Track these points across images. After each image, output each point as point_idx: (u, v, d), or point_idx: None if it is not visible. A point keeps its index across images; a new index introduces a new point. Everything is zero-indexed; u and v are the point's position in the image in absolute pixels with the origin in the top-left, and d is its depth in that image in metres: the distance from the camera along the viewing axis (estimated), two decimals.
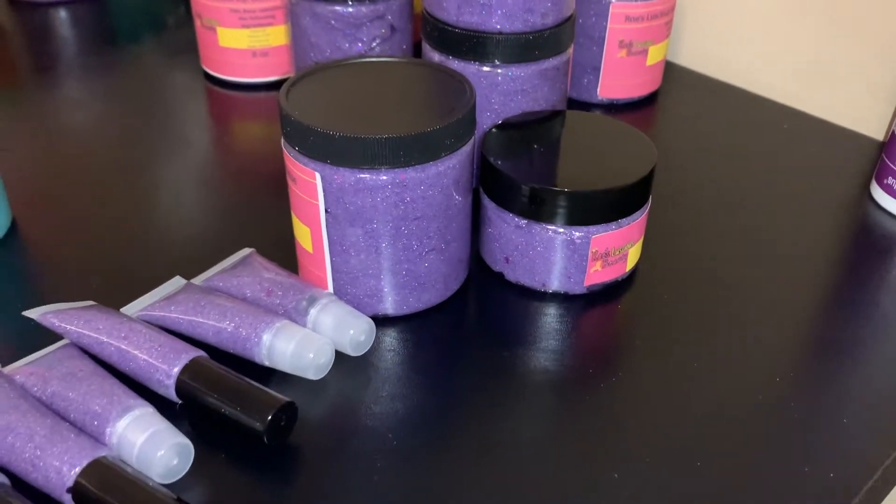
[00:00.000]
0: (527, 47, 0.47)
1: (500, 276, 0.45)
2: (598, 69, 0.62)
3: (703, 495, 0.34)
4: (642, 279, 0.46)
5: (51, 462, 0.31)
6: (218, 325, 0.38)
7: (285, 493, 0.33)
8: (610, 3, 0.59)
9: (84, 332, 0.38)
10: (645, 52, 0.62)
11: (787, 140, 0.60)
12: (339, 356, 0.39)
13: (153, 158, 0.57)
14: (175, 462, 0.33)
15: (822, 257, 0.48)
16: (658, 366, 0.40)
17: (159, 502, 0.30)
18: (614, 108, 0.64)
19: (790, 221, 0.51)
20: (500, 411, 0.37)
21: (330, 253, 0.40)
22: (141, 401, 0.34)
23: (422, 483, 0.34)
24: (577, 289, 0.44)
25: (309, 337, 0.38)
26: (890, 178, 0.51)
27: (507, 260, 0.44)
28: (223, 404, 0.34)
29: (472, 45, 0.47)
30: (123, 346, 0.37)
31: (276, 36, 0.63)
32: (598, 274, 0.43)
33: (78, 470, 0.31)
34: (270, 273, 0.42)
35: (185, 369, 0.36)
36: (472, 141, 0.40)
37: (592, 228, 0.41)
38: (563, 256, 0.42)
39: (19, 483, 0.32)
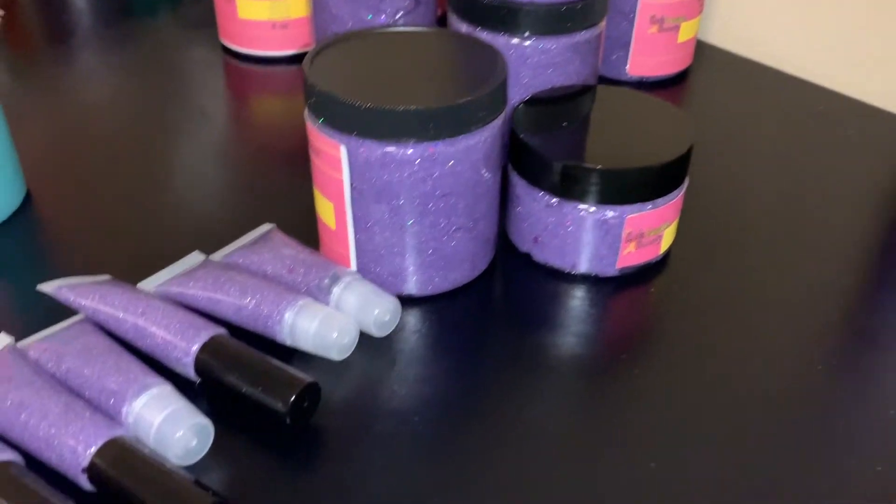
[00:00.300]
0: (559, 19, 0.45)
1: (528, 256, 0.43)
2: (628, 45, 0.60)
3: (742, 487, 0.32)
4: (675, 262, 0.44)
5: (65, 441, 0.30)
6: (238, 302, 0.37)
7: (306, 476, 0.32)
8: None
9: (100, 307, 0.37)
10: (676, 29, 0.60)
11: (822, 122, 0.58)
12: (362, 336, 0.38)
13: (171, 133, 0.56)
14: (194, 443, 0.31)
15: (860, 241, 0.46)
16: (691, 352, 0.39)
17: (178, 484, 0.29)
18: (643, 85, 0.62)
19: (826, 205, 0.49)
20: (526, 396, 0.36)
21: (354, 230, 0.39)
22: (159, 378, 0.33)
23: (444, 468, 0.33)
24: (609, 271, 0.42)
25: (333, 316, 0.36)
26: None
27: (535, 240, 0.42)
28: (244, 384, 0.33)
29: (503, 15, 0.45)
30: (140, 323, 0.36)
31: (297, 7, 0.62)
32: (631, 256, 0.42)
33: (93, 450, 0.30)
34: (292, 249, 0.41)
35: (205, 347, 0.34)
36: (503, 114, 0.38)
37: (627, 208, 0.40)
38: (595, 237, 0.41)
39: (32, 461, 0.31)
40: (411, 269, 0.39)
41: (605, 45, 0.61)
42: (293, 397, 0.32)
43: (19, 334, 0.36)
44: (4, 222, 0.45)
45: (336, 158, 0.37)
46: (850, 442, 0.34)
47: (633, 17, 0.58)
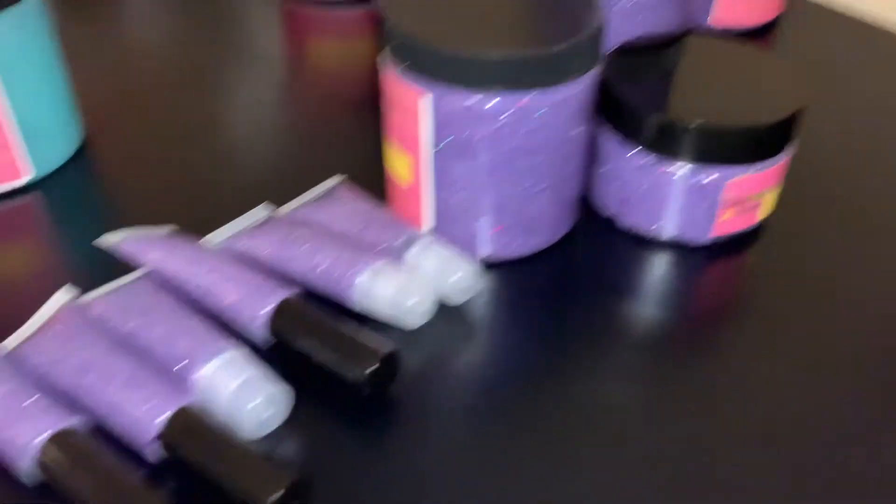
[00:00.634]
0: None
1: (611, 221, 0.40)
2: None
3: (842, 481, 0.30)
4: (772, 231, 0.41)
5: (132, 408, 0.28)
6: (309, 262, 0.35)
7: (379, 447, 0.30)
8: None
9: (165, 263, 0.35)
10: None
11: None
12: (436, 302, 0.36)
13: (230, 78, 0.53)
14: (270, 413, 0.29)
15: None
16: (784, 330, 0.36)
17: (253, 462, 0.27)
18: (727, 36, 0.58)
19: None
20: (608, 368, 0.33)
21: (432, 187, 0.36)
22: (231, 341, 0.31)
23: (521, 441, 0.30)
24: (701, 238, 0.39)
25: (411, 281, 0.34)
26: None
27: (622, 203, 0.39)
28: (320, 350, 0.31)
29: None
30: (208, 281, 0.34)
31: None
32: (727, 223, 0.38)
33: (162, 420, 0.28)
34: (363, 206, 0.38)
35: (278, 309, 0.32)
36: (600, 65, 0.35)
37: (728, 170, 0.37)
38: (690, 201, 0.38)
39: (96, 427, 0.29)
40: (491, 231, 0.37)
41: None
42: (373, 367, 0.30)
43: (78, 288, 0.35)
44: (60, 168, 0.43)
45: (417, 109, 0.34)
46: None
47: None
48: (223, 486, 0.27)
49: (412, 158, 0.36)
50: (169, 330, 0.31)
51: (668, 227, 0.39)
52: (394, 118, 0.36)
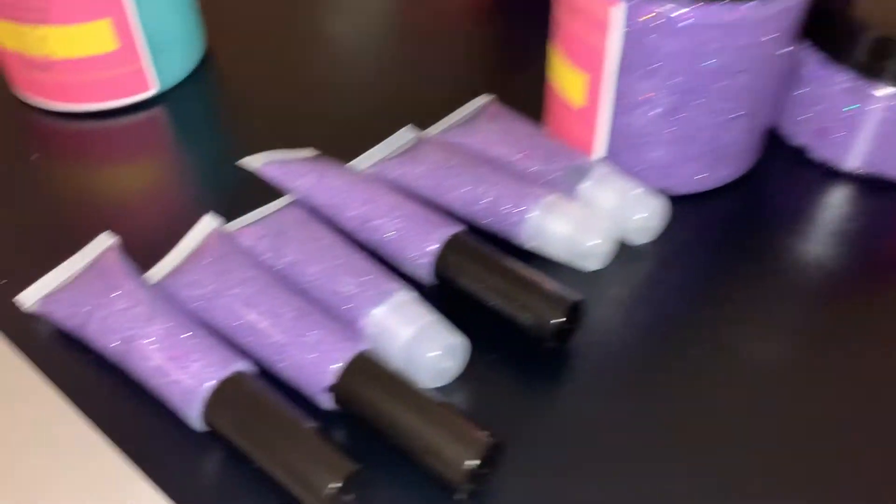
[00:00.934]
0: None
1: (801, 151, 0.36)
2: None
3: None
4: None
5: (302, 353, 0.25)
6: (471, 193, 0.31)
7: (553, 401, 0.27)
8: None
9: (314, 191, 0.31)
10: None
11: None
12: None
13: None
14: (447, 365, 0.27)
15: None
16: None
17: (446, 418, 0.24)
18: None
19: None
20: (792, 322, 0.30)
21: (613, 110, 0.32)
22: (399, 282, 0.28)
23: (701, 396, 0.27)
24: None
25: (589, 218, 0.30)
26: None
27: (817, 131, 0.35)
28: (495, 296, 0.28)
29: None
30: (364, 212, 0.30)
31: None
32: None
33: (338, 367, 0.25)
34: (520, 129, 0.34)
35: (447, 246, 0.29)
36: None
37: None
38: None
39: (264, 372, 0.27)
40: (676, 161, 0.32)
41: None
42: (560, 319, 0.27)
43: (219, 216, 0.32)
44: (183, 82, 0.40)
45: (604, 20, 0.29)
46: None
47: None
48: (411, 444, 0.24)
49: (589, 76, 0.32)
50: (330, 267, 0.28)
51: (868, 161, 0.34)
52: (572, 30, 0.32)
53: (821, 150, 0.35)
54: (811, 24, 0.33)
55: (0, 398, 0.27)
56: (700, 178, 0.33)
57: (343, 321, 0.27)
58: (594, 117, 0.32)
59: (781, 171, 0.36)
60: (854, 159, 0.34)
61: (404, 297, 0.27)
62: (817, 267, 0.32)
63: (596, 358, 0.28)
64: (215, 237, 0.30)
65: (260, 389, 0.25)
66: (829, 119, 0.34)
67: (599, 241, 0.30)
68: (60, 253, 0.30)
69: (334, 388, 0.25)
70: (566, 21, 0.32)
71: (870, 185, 0.35)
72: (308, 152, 0.35)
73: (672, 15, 0.28)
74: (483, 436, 0.23)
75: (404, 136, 0.35)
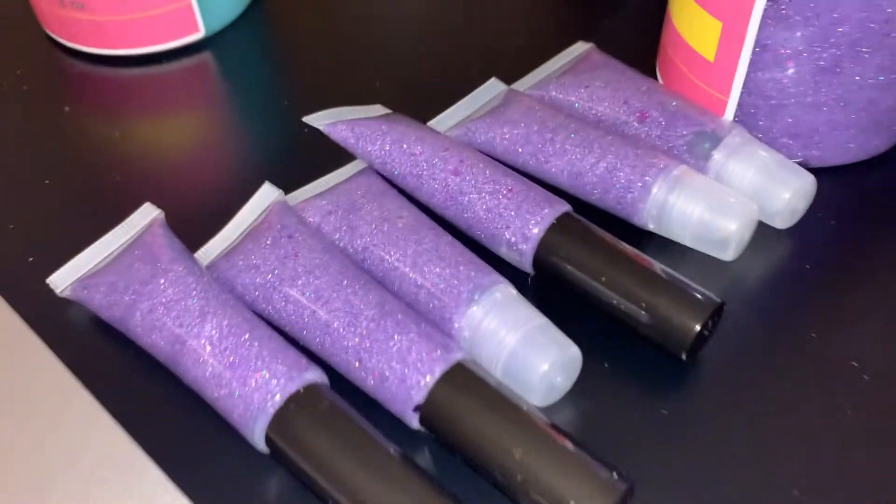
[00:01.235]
0: None
1: None
2: None
3: None
4: None
5: (385, 363, 0.21)
6: (578, 162, 0.26)
7: (683, 424, 0.22)
8: None
9: (392, 157, 0.27)
10: None
11: None
12: None
13: None
14: (558, 380, 0.22)
15: None
16: None
17: (551, 445, 0.19)
18: None
19: None
20: None
21: (752, 66, 0.26)
22: (496, 275, 0.23)
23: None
24: None
25: (729, 196, 0.25)
26: None
27: None
28: (612, 294, 0.23)
29: None
30: (454, 183, 0.26)
31: None
32: None
33: (430, 380, 0.21)
34: (637, 85, 0.29)
35: (553, 229, 0.24)
36: None
37: None
38: None
39: (339, 381, 0.22)
40: (825, 128, 0.27)
41: None
42: (697, 326, 0.22)
43: (272, 180, 0.27)
44: (233, 24, 0.35)
45: None
46: None
47: None
48: (520, 484, 0.19)
49: (726, 25, 0.26)
50: (412, 253, 0.23)
51: None
52: None
53: None
54: None
55: (30, 403, 0.23)
56: (848, 148, 0.28)
57: (431, 322, 0.22)
58: (730, 74, 0.27)
59: None
60: None
61: (506, 294, 0.22)
62: None
63: (731, 370, 0.23)
64: (276, 211, 0.25)
65: (334, 406, 0.20)
66: None
67: (737, 226, 0.24)
68: (97, 225, 0.26)
69: (423, 407, 0.21)
70: None
71: None
72: (378, 109, 0.30)
73: None
74: (613, 480, 0.19)
75: (491, 90, 0.30)
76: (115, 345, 0.24)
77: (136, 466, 0.21)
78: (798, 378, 0.23)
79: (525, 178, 0.26)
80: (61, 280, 0.25)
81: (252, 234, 0.25)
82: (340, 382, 0.22)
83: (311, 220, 0.25)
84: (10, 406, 0.23)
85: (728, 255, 0.25)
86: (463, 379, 0.21)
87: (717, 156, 0.26)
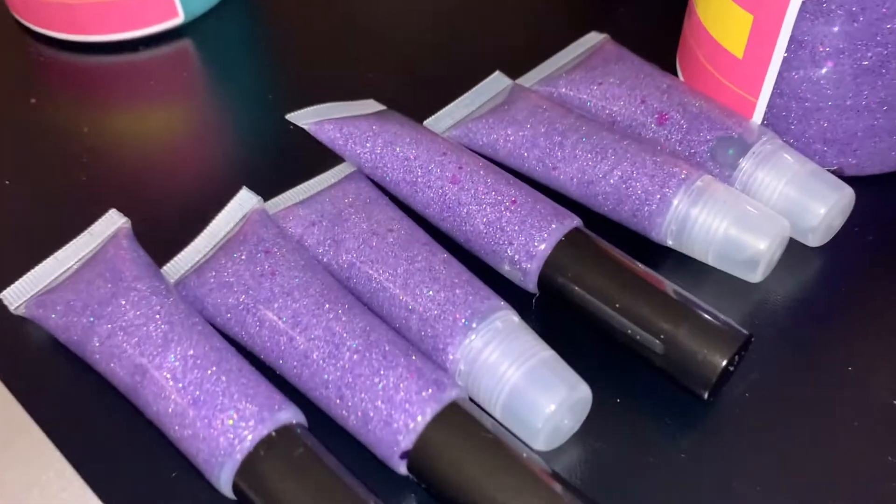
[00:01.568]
0: None
1: None
2: None
3: None
4: None
5: (370, 402, 0.18)
6: (590, 169, 0.24)
7: (705, 456, 0.20)
8: None
9: (384, 160, 0.24)
10: None
11: None
12: None
13: None
14: (565, 422, 0.19)
15: None
16: None
17: (542, 491, 0.17)
18: None
19: None
20: None
21: (785, 64, 0.24)
22: (497, 299, 0.21)
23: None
24: None
25: (757, 212, 0.22)
26: None
27: None
28: (625, 321, 0.20)
29: None
30: (452, 192, 0.23)
31: None
32: None
33: (420, 424, 0.18)
34: (656, 82, 0.26)
35: (561, 247, 0.22)
36: None
37: None
38: None
39: (321, 415, 0.20)
40: (865, 133, 0.24)
41: None
42: (723, 363, 0.19)
43: (252, 184, 0.24)
44: (214, 9, 0.32)
45: None
46: None
47: None
48: None
49: (756, 16, 0.23)
50: (403, 272, 0.21)
51: None
52: None
53: None
54: None
55: None
56: (889, 156, 0.25)
57: (423, 353, 0.20)
58: (758, 72, 0.24)
59: None
60: None
61: (508, 322, 0.20)
62: None
63: (757, 408, 0.21)
64: (254, 221, 0.23)
65: (310, 452, 0.18)
66: None
67: (766, 244, 0.22)
68: (59, 233, 0.23)
69: (411, 454, 0.18)
70: None
71: None
72: (371, 106, 0.27)
73: None
74: None
75: (495, 85, 0.28)
76: (73, 371, 0.21)
77: None
78: (833, 418, 0.21)
79: (530, 187, 0.23)
80: (16, 296, 0.22)
81: (226, 247, 0.22)
82: (323, 416, 0.20)
83: (292, 231, 0.23)
84: None
85: (756, 276, 0.22)
86: (457, 421, 0.18)
87: (745, 164, 0.23)
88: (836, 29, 0.22)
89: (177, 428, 0.19)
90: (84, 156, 0.28)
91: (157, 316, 0.20)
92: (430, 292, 0.20)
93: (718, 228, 0.22)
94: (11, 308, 0.22)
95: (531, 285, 0.22)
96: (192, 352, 0.19)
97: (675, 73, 0.28)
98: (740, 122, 0.24)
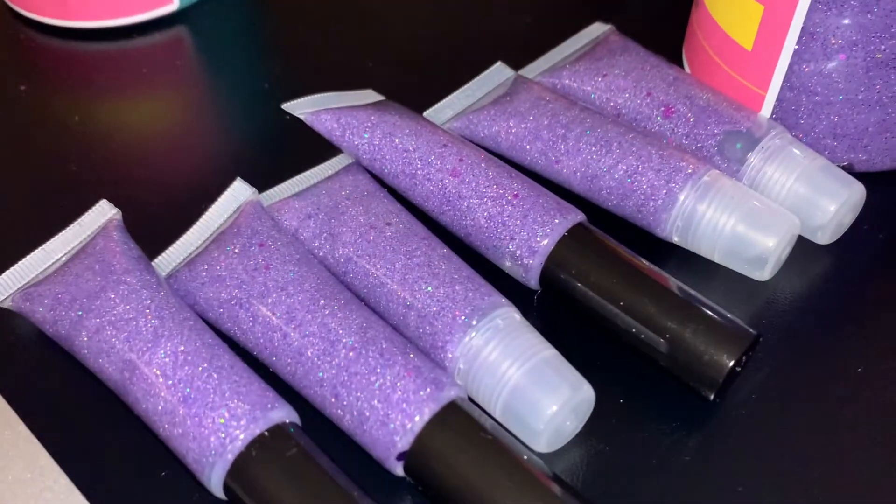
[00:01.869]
0: None
1: None
2: None
3: None
4: None
5: (365, 401, 0.18)
6: (594, 163, 0.23)
7: (711, 459, 0.19)
8: None
9: (382, 152, 0.23)
10: None
11: None
12: None
13: None
14: (567, 423, 0.19)
15: None
16: None
17: (542, 494, 0.17)
18: None
19: None
20: None
21: (796, 56, 0.23)
22: (498, 296, 0.20)
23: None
24: None
25: (766, 208, 0.22)
26: None
27: None
28: (630, 319, 0.20)
29: None
30: (452, 186, 0.22)
31: None
32: None
33: (418, 424, 0.18)
34: (662, 74, 0.25)
35: (563, 243, 0.21)
36: None
37: None
38: None
39: (315, 421, 0.19)
40: (874, 129, 0.24)
41: None
42: (730, 364, 0.19)
43: (246, 175, 0.24)
44: None
45: None
46: None
47: None
48: None
49: (766, 6, 0.23)
50: (401, 267, 0.20)
51: None
52: None
53: None
54: None
55: None
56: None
57: (421, 351, 0.20)
58: (768, 64, 0.24)
59: None
60: None
61: (509, 320, 0.19)
62: None
63: (765, 409, 0.20)
64: (248, 213, 0.22)
65: (303, 452, 0.18)
66: None
67: (775, 241, 0.21)
68: (48, 223, 0.23)
69: (408, 455, 0.18)
70: None
71: None
72: (370, 95, 0.27)
73: None
74: None
75: (497, 76, 0.27)
76: (60, 366, 0.21)
77: None
78: (843, 421, 0.20)
79: (533, 181, 0.23)
80: (3, 288, 0.22)
81: (219, 240, 0.22)
82: (317, 416, 0.19)
83: (287, 223, 0.22)
84: None
85: (764, 274, 0.22)
86: (456, 422, 0.18)
87: (753, 159, 0.23)
88: (848, 21, 0.22)
89: (166, 426, 0.18)
90: (74, 145, 0.27)
91: (148, 310, 0.20)
92: (429, 288, 0.20)
93: (726, 225, 0.21)
94: None
95: (533, 282, 0.22)
96: (182, 348, 0.19)
97: (681, 65, 0.28)
98: (749, 115, 0.24)
